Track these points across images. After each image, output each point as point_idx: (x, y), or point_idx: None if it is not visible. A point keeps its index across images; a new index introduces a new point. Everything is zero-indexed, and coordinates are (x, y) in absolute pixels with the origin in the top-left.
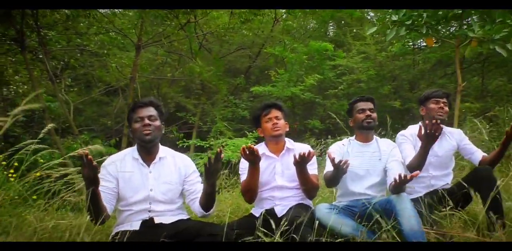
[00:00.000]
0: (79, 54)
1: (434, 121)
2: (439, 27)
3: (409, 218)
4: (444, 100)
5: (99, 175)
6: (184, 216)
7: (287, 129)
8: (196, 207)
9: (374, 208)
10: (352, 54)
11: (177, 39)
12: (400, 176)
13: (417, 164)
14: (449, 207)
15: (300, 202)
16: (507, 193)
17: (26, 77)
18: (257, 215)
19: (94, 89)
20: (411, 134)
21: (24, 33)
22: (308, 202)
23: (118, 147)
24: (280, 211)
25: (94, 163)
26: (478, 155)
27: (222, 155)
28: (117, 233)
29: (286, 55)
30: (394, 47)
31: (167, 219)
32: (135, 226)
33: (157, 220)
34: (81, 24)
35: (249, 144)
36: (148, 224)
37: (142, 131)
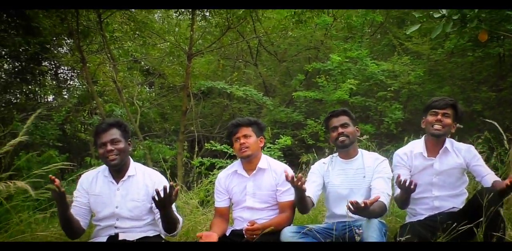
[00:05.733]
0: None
1: (406, 180)
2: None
3: None
4: (446, 111)
5: (75, 191)
6: (152, 233)
7: (262, 144)
8: (161, 227)
9: (352, 232)
10: (396, 57)
11: (227, 44)
12: (352, 203)
13: (400, 203)
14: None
15: None
16: None
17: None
18: (228, 235)
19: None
20: (405, 153)
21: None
22: None
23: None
24: None
25: (62, 189)
26: (488, 179)
27: (177, 188)
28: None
29: (324, 66)
30: (450, 43)
31: (132, 236)
32: (102, 241)
33: (121, 236)
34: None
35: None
36: (113, 240)
37: (106, 157)
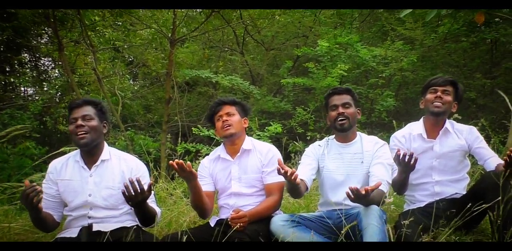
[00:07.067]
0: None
1: (406, 153)
2: None
3: (371, 236)
4: (446, 88)
5: (43, 181)
6: (130, 223)
7: (245, 125)
8: (137, 218)
9: (348, 221)
10: (389, 42)
11: (211, 29)
12: (352, 190)
13: (398, 186)
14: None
15: None
16: None
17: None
18: (212, 225)
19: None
20: (403, 135)
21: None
22: None
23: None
24: None
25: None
26: (492, 162)
27: (150, 182)
28: (56, 240)
29: (314, 51)
30: (444, 28)
31: (108, 226)
32: (74, 232)
33: (95, 227)
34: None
35: (176, 160)
36: (86, 231)
37: (76, 134)
